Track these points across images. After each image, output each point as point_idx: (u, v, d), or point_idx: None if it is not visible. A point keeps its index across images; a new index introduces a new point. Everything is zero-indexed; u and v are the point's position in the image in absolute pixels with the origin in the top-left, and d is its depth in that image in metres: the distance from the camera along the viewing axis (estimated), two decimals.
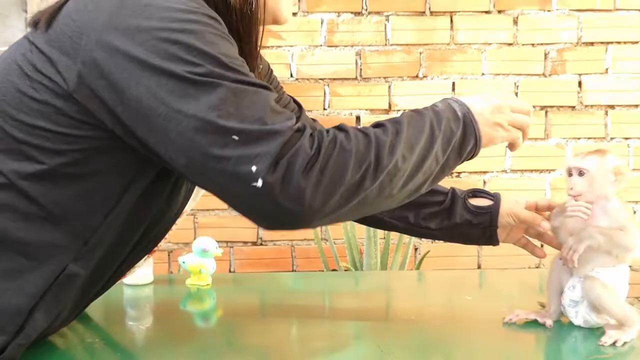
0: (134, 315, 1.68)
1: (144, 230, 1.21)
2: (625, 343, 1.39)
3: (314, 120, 1.58)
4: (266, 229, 1.11)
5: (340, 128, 1.06)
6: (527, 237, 1.55)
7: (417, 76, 3.11)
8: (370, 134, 1.05)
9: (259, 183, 0.95)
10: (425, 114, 1.12)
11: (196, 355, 1.32)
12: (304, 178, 0.97)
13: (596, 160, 1.42)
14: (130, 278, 1.84)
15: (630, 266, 1.50)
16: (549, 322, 1.48)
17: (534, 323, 1.45)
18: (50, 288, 1.09)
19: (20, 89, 1.04)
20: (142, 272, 1.84)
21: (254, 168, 0.95)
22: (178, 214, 1.31)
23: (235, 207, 1.03)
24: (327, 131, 1.05)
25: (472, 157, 1.20)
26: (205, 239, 1.92)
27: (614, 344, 1.38)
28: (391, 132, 1.07)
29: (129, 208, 1.12)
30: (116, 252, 1.19)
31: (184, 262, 1.89)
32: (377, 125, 1.09)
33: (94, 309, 1.72)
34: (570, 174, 1.42)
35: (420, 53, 3.11)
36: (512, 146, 1.28)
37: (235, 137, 0.96)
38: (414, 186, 1.10)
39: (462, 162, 1.19)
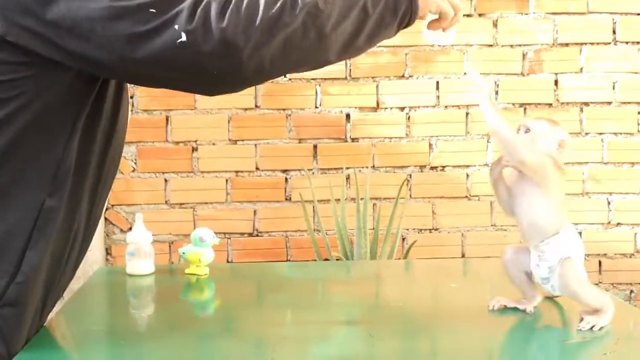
0: (137, 304, 1.76)
1: (100, 155, 1.27)
2: (602, 327, 1.45)
3: None
4: (209, 92, 1.23)
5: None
6: None
7: (403, 76, 3.26)
8: None
9: (183, 37, 1.06)
10: None
11: (196, 342, 1.35)
12: (221, 19, 1.06)
13: (545, 125, 1.50)
14: (133, 268, 1.95)
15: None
16: (529, 308, 1.55)
17: (516, 309, 1.53)
18: (35, 225, 1.16)
19: None
20: (144, 263, 1.93)
21: (176, 26, 1.06)
22: (123, 137, 1.37)
23: (174, 80, 1.13)
24: None
25: (410, 21, 1.27)
26: (202, 229, 2.01)
27: (591, 328, 1.44)
28: None
29: (81, 133, 1.20)
30: (82, 179, 1.24)
31: (183, 253, 1.98)
32: None
33: (99, 297, 1.83)
34: (518, 130, 1.48)
35: (406, 54, 3.26)
36: (442, 20, 1.35)
37: (152, 10, 1.06)
38: (344, 34, 1.17)
39: (402, 24, 1.26)
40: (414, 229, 3.27)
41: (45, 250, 1.20)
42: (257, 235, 3.24)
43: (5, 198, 1.16)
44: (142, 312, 1.71)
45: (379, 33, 1.23)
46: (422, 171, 3.27)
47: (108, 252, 3.20)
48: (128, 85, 1.37)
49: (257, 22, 1.08)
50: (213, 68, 1.09)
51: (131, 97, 3.16)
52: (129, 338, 1.43)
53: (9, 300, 1.17)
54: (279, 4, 1.10)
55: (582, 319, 1.45)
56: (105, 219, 3.17)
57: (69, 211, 1.23)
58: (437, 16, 1.34)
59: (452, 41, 1.49)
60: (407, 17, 1.26)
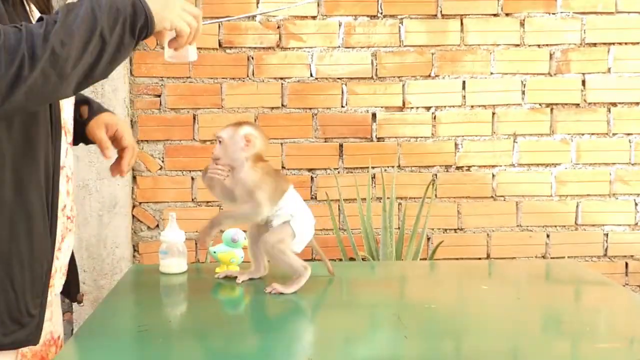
0: (171, 302, 1.78)
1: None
2: (282, 294, 1.69)
3: None
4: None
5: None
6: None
7: (429, 75, 3.26)
8: (23, 28, 1.16)
9: None
10: (84, 1, 1.23)
11: (232, 341, 1.37)
12: None
13: (230, 130, 1.74)
14: (166, 267, 1.97)
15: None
16: (243, 277, 1.84)
17: (548, 313, 1.58)
18: None
19: None
20: (177, 262, 1.96)
21: None
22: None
23: None
24: None
25: (148, 34, 1.29)
26: (235, 230, 2.03)
27: (270, 292, 1.71)
28: (46, 23, 1.17)
29: None
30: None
31: (214, 252, 2.00)
32: (38, 19, 1.20)
33: (134, 295, 1.85)
34: (218, 142, 1.74)
35: (432, 54, 3.26)
36: (179, 37, 1.36)
37: None
38: (85, 67, 1.20)
39: (140, 38, 1.28)
40: (439, 229, 3.27)
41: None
42: None
43: None
44: (176, 310, 1.73)
45: (120, 54, 1.27)
46: (447, 171, 3.27)
47: (135, 249, 3.23)
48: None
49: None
50: None
51: (159, 96, 3.19)
52: (165, 336, 1.46)
53: None
54: (18, 58, 1.14)
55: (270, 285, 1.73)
56: (133, 216, 3.20)
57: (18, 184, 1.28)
58: (174, 34, 1.38)
59: (194, 58, 1.55)
60: (145, 32, 1.29)
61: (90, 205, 3.09)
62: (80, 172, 3.07)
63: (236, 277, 1.88)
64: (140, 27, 1.26)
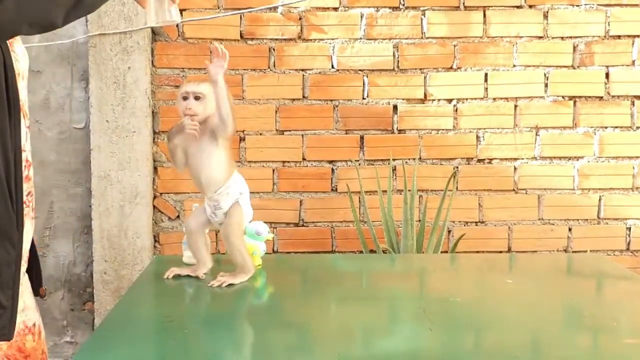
0: (194, 293, 1.79)
1: None
2: (230, 285, 1.71)
3: None
4: None
5: None
6: None
7: (451, 67, 3.25)
8: None
9: None
10: None
11: (252, 333, 1.40)
12: None
13: (208, 86, 1.78)
14: (189, 258, 1.97)
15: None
16: (200, 273, 1.84)
17: (571, 307, 1.56)
18: None
19: None
20: None
21: None
22: None
23: None
24: None
25: None
26: (258, 223, 2.04)
27: (220, 285, 1.72)
28: None
29: None
30: None
31: None
32: None
33: (158, 286, 1.86)
34: (185, 98, 1.75)
35: (455, 46, 3.24)
36: None
37: None
38: None
39: None
40: (460, 222, 3.26)
41: None
42: (303, 225, 3.26)
43: None
44: (200, 301, 1.73)
45: None
46: (469, 163, 3.26)
47: (156, 239, 3.24)
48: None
49: None
50: None
51: (179, 87, 3.19)
52: (190, 327, 1.47)
53: None
54: None
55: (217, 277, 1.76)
56: (154, 206, 3.21)
57: None
58: None
59: (177, 18, 1.58)
60: None
61: (111, 196, 3.10)
62: (102, 163, 3.08)
63: (189, 276, 1.90)
64: None
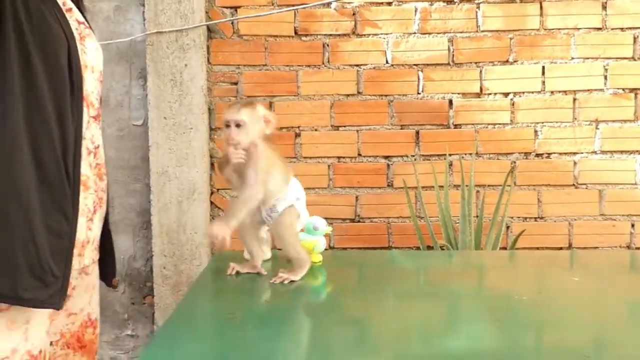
0: (256, 289, 1.80)
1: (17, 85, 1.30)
2: (292, 282, 1.71)
3: None
4: None
5: None
6: None
7: (507, 61, 3.20)
8: None
9: None
10: None
11: (314, 329, 1.39)
12: None
13: (249, 112, 1.71)
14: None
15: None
16: (262, 269, 1.85)
17: (636, 306, 1.52)
18: None
19: None
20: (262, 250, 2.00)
21: None
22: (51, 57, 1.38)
23: None
24: None
25: None
26: (315, 217, 2.04)
27: (282, 282, 1.72)
28: None
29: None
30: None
31: None
32: None
33: (220, 283, 1.87)
34: (228, 126, 1.70)
35: (511, 39, 3.19)
36: None
37: None
38: None
39: None
40: (519, 217, 3.22)
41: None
42: (359, 221, 3.25)
43: None
44: (262, 297, 1.74)
45: None
46: (527, 158, 3.21)
47: None
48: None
49: None
50: None
51: (235, 84, 3.22)
52: (253, 323, 1.47)
53: None
54: None
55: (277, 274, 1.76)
56: (211, 202, 3.24)
57: (10, 141, 1.28)
58: None
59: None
60: None
61: (170, 192, 3.14)
62: (160, 159, 3.12)
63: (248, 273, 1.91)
64: None
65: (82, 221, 1.45)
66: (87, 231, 1.49)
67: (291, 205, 1.83)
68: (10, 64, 1.26)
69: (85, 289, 1.58)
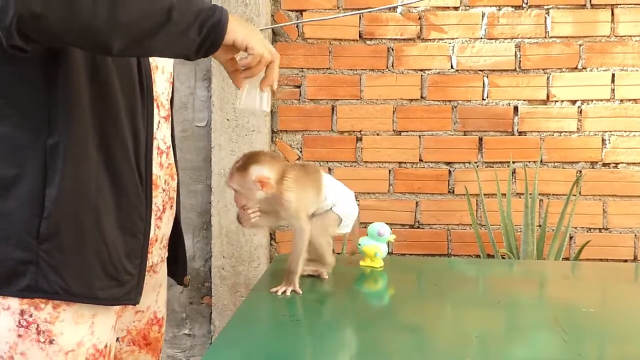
0: (318, 292, 1.78)
1: (99, 83, 1.29)
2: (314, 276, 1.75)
3: None
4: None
5: None
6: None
7: (576, 68, 3.13)
8: None
9: None
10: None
11: (375, 335, 1.38)
12: None
13: (239, 179, 1.63)
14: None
15: None
16: (324, 273, 1.83)
17: None
18: (45, 164, 1.23)
19: None
20: None
21: None
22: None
23: None
24: None
25: (216, 39, 1.23)
26: (381, 224, 2.02)
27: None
28: None
29: (61, 72, 1.24)
30: (80, 113, 1.27)
31: (359, 245, 2.01)
32: None
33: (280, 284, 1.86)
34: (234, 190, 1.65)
35: (580, 45, 3.13)
36: (252, 62, 1.34)
37: None
38: (139, 30, 1.16)
39: (207, 41, 1.23)
40: (583, 228, 3.14)
41: (64, 184, 1.25)
42: (418, 227, 3.22)
43: (10, 145, 1.25)
44: (324, 300, 1.73)
45: (177, 43, 1.22)
46: (593, 167, 3.14)
47: (272, 237, 3.29)
48: None
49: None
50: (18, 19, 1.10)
51: (298, 87, 3.22)
52: (316, 327, 1.47)
53: (44, 235, 1.25)
54: None
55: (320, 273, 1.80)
56: None
57: (80, 143, 1.27)
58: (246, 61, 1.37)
59: (266, 108, 1.49)
60: (214, 33, 1.24)
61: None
62: (222, 161, 3.15)
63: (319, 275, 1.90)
64: (212, 24, 1.23)
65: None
66: (156, 229, 1.50)
67: (330, 208, 1.83)
68: (78, 65, 1.27)
69: (152, 287, 1.59)
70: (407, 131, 3.20)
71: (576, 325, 1.45)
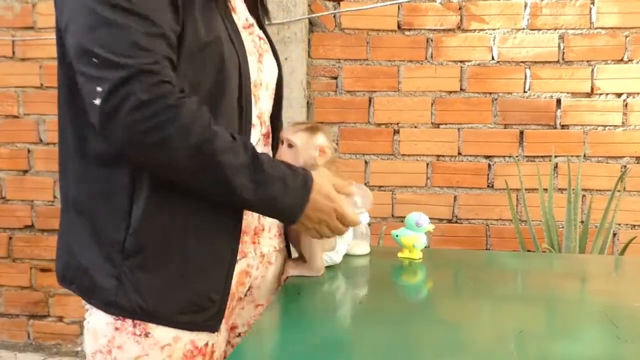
0: (355, 284, 1.74)
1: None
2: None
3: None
4: (97, 133, 1.20)
5: (198, 102, 1.20)
6: None
7: (621, 60, 3.04)
8: (211, 132, 1.20)
9: (98, 101, 1.14)
10: (273, 180, 1.27)
11: (414, 329, 1.31)
12: (129, 114, 1.13)
13: (304, 136, 1.55)
14: (350, 249, 1.94)
15: None
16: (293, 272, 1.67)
17: None
18: (134, 179, 1.24)
19: None
20: (361, 244, 1.93)
21: (98, 88, 1.14)
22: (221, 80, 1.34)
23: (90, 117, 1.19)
24: (183, 92, 1.19)
25: (289, 217, 1.32)
26: (419, 214, 1.95)
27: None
28: (221, 136, 1.21)
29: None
30: None
31: (397, 236, 1.94)
32: (243, 140, 1.25)
33: (311, 281, 1.83)
34: (282, 143, 1.54)
35: (626, 36, 3.03)
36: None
37: (95, 60, 1.14)
38: (196, 184, 1.22)
39: (277, 215, 1.32)
40: (627, 224, 3.05)
41: (151, 198, 1.25)
42: (457, 222, 3.16)
43: (102, 160, 1.26)
44: (362, 292, 1.69)
45: (238, 202, 1.28)
46: (638, 162, 3.04)
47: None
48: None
49: (149, 138, 1.17)
50: (101, 128, 1.18)
51: (335, 78, 3.18)
52: (354, 318, 1.43)
53: (129, 251, 1.25)
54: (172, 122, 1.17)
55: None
56: None
57: None
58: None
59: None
60: (285, 215, 1.33)
61: None
62: None
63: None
64: (281, 210, 1.30)
65: None
66: (260, 218, 1.47)
67: None
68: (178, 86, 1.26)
69: (270, 279, 1.58)
70: (445, 124, 3.14)
71: (628, 320, 1.38)
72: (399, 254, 1.94)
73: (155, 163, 1.20)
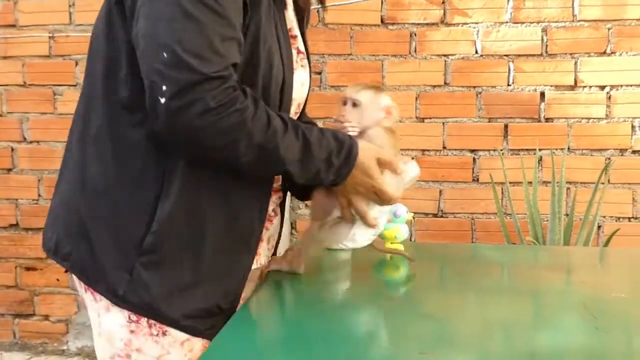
0: (335, 278, 1.71)
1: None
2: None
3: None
4: (157, 130, 1.19)
5: (255, 99, 1.19)
6: None
7: (604, 52, 3.05)
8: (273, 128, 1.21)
9: (162, 99, 1.11)
10: (319, 161, 1.29)
11: (379, 319, 1.34)
12: (196, 118, 1.12)
13: (371, 95, 1.49)
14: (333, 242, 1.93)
15: None
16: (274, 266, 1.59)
17: None
18: (164, 174, 1.23)
19: None
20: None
21: (164, 87, 1.11)
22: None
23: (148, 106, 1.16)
24: (245, 93, 1.17)
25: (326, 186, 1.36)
26: (396, 205, 1.96)
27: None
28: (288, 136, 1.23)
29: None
30: None
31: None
32: (293, 126, 1.25)
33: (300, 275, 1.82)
34: (344, 104, 1.49)
35: (609, 29, 3.04)
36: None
37: (166, 55, 1.11)
38: (255, 165, 1.24)
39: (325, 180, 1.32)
40: (611, 217, 3.06)
41: (178, 202, 1.24)
42: (442, 216, 3.16)
43: (134, 150, 1.24)
44: (342, 286, 1.68)
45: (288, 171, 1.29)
46: (622, 155, 3.05)
47: (293, 226, 3.24)
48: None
49: (216, 142, 1.18)
50: (164, 127, 1.17)
51: (319, 73, 3.17)
52: (329, 311, 1.42)
53: (146, 249, 1.23)
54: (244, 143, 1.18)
55: None
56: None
57: (194, 168, 1.26)
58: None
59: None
60: (335, 179, 1.35)
61: None
62: None
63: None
64: (320, 183, 1.34)
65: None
66: (265, 231, 1.45)
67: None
68: None
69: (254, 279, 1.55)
70: (430, 118, 3.14)
71: (606, 311, 1.39)
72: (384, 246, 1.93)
73: (215, 160, 1.22)
